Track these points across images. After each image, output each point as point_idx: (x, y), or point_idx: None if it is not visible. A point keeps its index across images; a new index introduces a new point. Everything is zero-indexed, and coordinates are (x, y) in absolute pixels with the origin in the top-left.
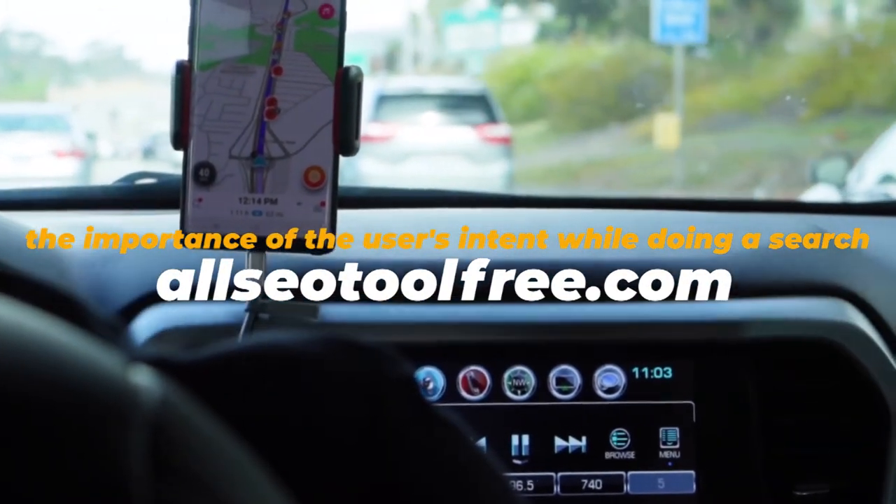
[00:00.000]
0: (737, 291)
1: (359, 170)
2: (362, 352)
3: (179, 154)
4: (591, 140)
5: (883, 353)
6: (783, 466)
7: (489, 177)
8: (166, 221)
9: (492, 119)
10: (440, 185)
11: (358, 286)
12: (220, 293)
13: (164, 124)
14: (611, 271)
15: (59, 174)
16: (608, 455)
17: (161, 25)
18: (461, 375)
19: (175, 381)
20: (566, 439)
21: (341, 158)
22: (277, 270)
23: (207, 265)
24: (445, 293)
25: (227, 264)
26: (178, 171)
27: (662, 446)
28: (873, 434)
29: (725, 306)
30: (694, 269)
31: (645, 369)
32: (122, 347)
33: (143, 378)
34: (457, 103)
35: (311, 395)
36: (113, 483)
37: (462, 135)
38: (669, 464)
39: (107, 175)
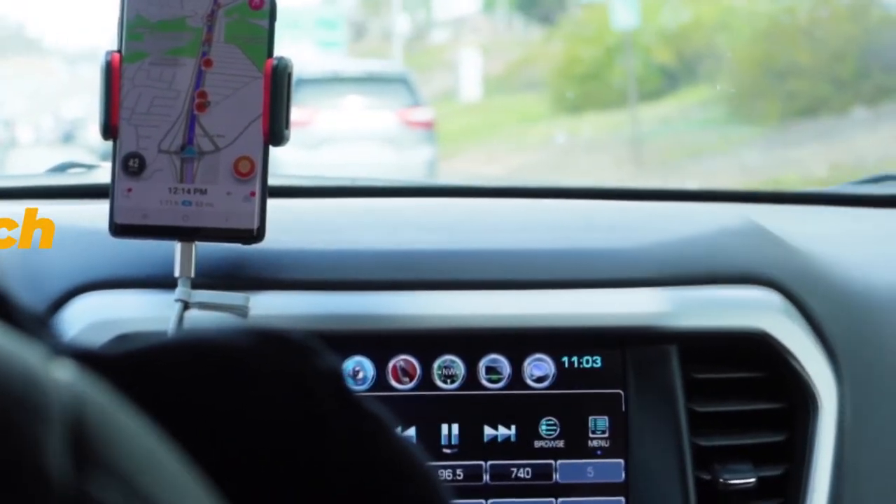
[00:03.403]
0: (665, 280)
1: (275, 156)
2: (289, 344)
3: (99, 140)
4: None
5: (809, 343)
6: (711, 456)
7: (411, 163)
8: (97, 211)
9: (414, 102)
10: (360, 171)
11: (288, 276)
12: (151, 283)
13: (77, 108)
14: (539, 261)
15: None
16: (537, 444)
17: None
18: (391, 365)
19: (99, 375)
20: (495, 428)
21: None
22: (207, 260)
23: (137, 255)
24: (375, 283)
25: (157, 254)
26: (97, 158)
27: (592, 435)
28: (800, 424)
29: (653, 295)
30: (622, 258)
31: (574, 358)
32: (46, 340)
33: (64, 373)
34: (377, 87)
35: (237, 388)
36: (33, 479)
37: (382, 119)
38: (598, 452)
39: (27, 162)
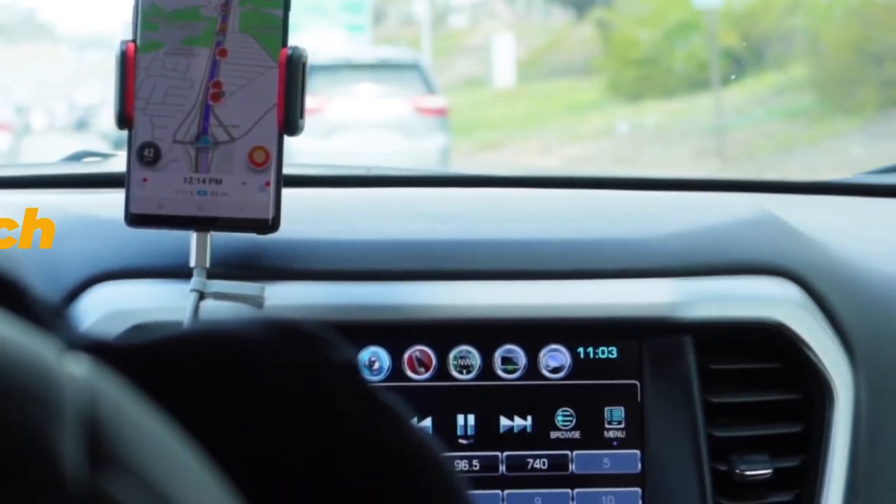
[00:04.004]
0: (680, 271)
1: (286, 144)
2: (304, 336)
3: (112, 127)
4: None
5: (826, 333)
6: (727, 447)
7: (424, 151)
8: (112, 201)
9: (427, 89)
10: (372, 159)
11: (303, 266)
12: (166, 273)
13: (90, 94)
14: (554, 251)
15: None
16: (553, 434)
17: None
18: (406, 355)
19: (114, 367)
20: (511, 419)
21: None
22: (222, 250)
23: (152, 245)
24: (391, 273)
25: (172, 244)
26: (110, 145)
27: (607, 426)
28: (816, 415)
29: (669, 286)
30: (638, 249)
31: (590, 349)
32: (61, 333)
33: (78, 367)
34: (389, 73)
35: (251, 380)
36: (47, 475)
37: (395, 107)
38: (614, 443)
39: (41, 149)
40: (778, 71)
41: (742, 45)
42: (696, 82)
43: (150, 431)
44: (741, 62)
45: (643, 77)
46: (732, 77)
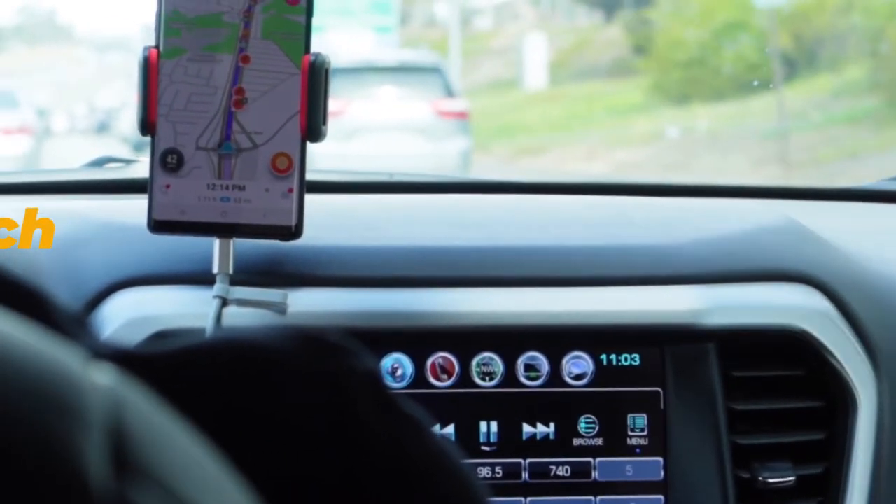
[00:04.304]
0: (703, 278)
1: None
2: (327, 345)
3: (132, 130)
4: None
5: (849, 341)
6: (750, 454)
7: (445, 154)
8: (135, 207)
9: (447, 92)
10: (393, 162)
11: (326, 272)
12: (189, 280)
13: (111, 97)
14: (577, 258)
15: (6, 153)
16: (576, 442)
17: None
18: (429, 362)
19: (138, 376)
20: (534, 426)
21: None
22: (245, 256)
23: (175, 251)
24: (413, 279)
25: (194, 251)
26: (130, 148)
27: (630, 433)
28: (839, 422)
29: (692, 293)
30: (661, 255)
31: (613, 356)
32: (84, 341)
33: (103, 376)
34: (410, 76)
35: (274, 390)
36: (72, 484)
37: (416, 109)
38: (637, 451)
39: (62, 153)
40: (833, 73)
41: (794, 46)
42: (745, 84)
43: (174, 441)
44: (794, 63)
45: (690, 79)
46: (771, 84)
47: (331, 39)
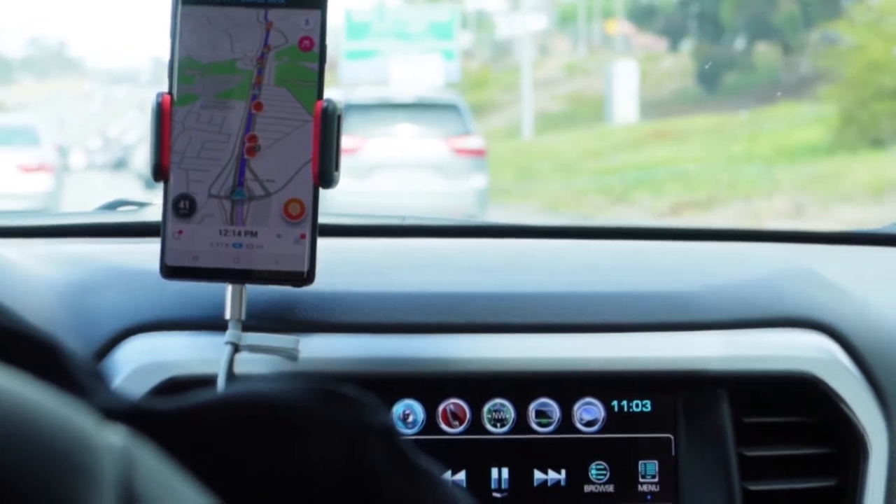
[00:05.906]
0: (715, 324)
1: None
2: (342, 399)
3: (149, 169)
4: None
5: (860, 387)
6: (761, 501)
7: (461, 192)
8: (147, 251)
9: (464, 130)
10: (409, 199)
11: (338, 318)
12: (201, 325)
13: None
14: (588, 305)
15: (27, 191)
16: (588, 488)
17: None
18: (441, 408)
19: (151, 434)
20: (546, 472)
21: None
22: (257, 302)
23: (187, 297)
24: (425, 326)
25: (206, 296)
26: (145, 184)
27: (642, 479)
28: (850, 468)
29: (704, 339)
30: (673, 302)
31: (624, 402)
32: (98, 395)
33: (115, 437)
34: (427, 113)
35: (289, 445)
36: None
37: (432, 147)
38: (649, 497)
39: (80, 191)
40: None
41: None
42: None
43: (186, 502)
44: None
45: (891, 112)
46: None
47: (393, 68)
